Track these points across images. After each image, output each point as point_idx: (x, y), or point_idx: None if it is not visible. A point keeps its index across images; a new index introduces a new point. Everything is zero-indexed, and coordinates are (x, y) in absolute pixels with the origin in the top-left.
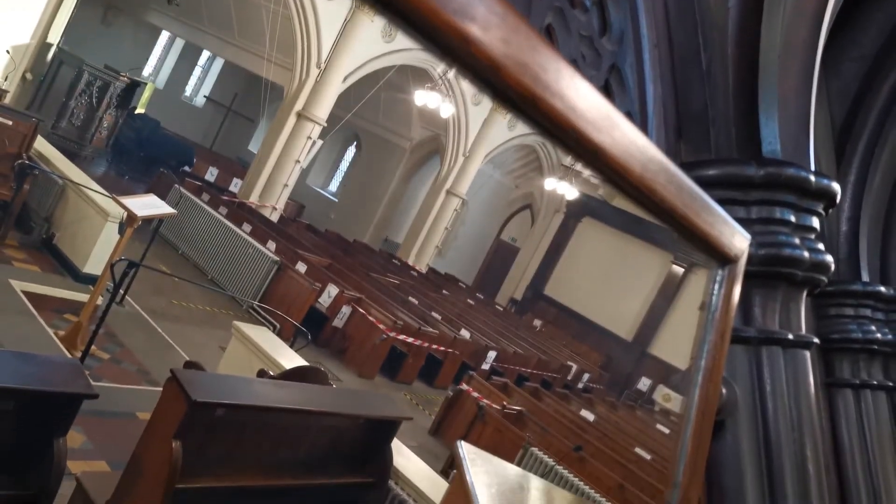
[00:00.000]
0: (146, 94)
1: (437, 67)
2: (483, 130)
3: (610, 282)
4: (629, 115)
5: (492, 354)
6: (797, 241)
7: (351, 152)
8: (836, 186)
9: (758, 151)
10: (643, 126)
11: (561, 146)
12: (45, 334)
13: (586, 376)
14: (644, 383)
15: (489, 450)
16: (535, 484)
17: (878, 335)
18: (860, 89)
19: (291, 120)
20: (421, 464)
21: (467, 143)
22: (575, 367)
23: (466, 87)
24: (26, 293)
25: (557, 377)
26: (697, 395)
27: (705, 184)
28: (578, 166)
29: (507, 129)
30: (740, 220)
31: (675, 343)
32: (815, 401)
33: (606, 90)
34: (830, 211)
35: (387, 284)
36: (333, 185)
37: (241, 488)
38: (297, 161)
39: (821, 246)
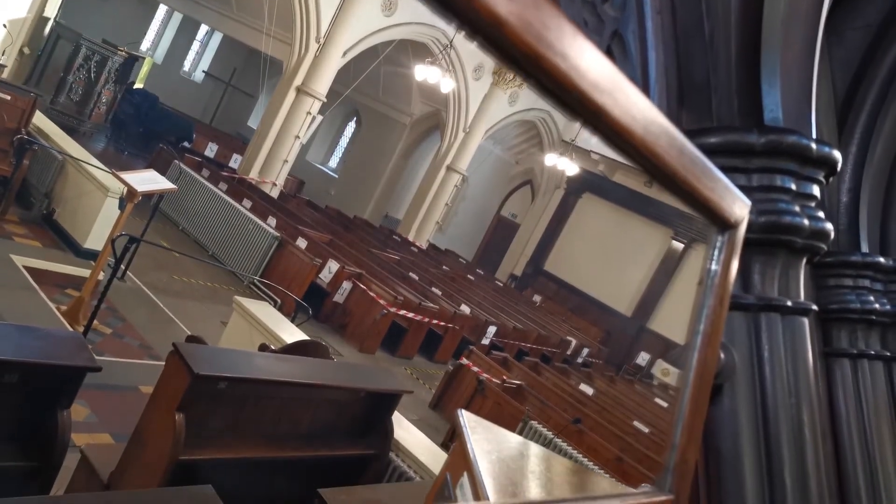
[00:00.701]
0: (144, 68)
1: (438, 41)
2: (483, 106)
3: (610, 257)
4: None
5: (491, 329)
6: (797, 208)
7: (351, 128)
8: (836, 154)
9: (760, 120)
10: (645, 92)
11: (563, 108)
12: (48, 309)
13: (585, 351)
14: (643, 358)
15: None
16: (535, 451)
17: (877, 305)
18: (863, 59)
19: (291, 95)
20: (422, 436)
21: (468, 118)
22: (574, 342)
23: (467, 61)
24: (28, 268)
25: (556, 352)
26: (696, 359)
27: (707, 151)
28: (578, 142)
29: (507, 105)
30: (741, 188)
31: (675, 318)
32: (812, 367)
33: (608, 56)
34: (831, 180)
35: (387, 260)
36: (333, 161)
37: (243, 459)
38: (297, 137)
39: (821, 214)
